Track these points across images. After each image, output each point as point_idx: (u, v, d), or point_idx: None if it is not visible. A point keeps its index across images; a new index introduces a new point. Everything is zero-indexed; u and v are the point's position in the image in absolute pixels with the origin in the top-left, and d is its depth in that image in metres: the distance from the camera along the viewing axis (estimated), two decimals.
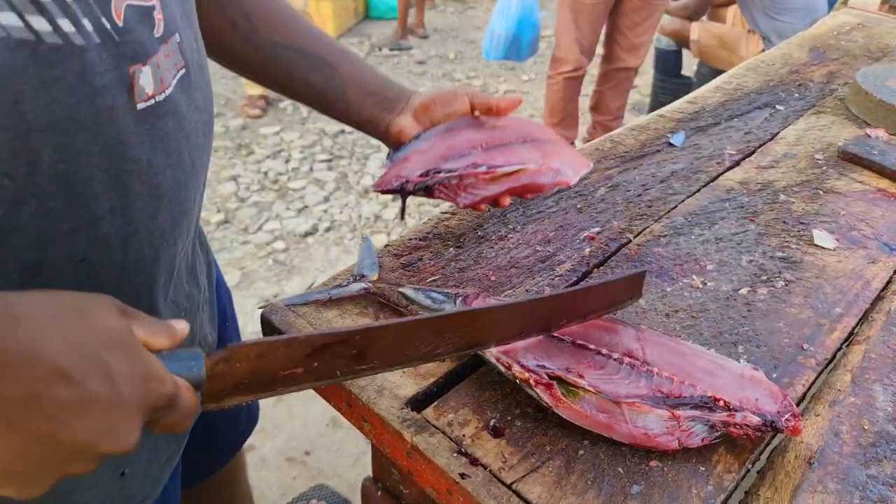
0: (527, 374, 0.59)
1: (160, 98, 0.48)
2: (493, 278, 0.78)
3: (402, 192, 0.71)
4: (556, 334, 0.63)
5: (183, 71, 0.51)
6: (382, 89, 0.76)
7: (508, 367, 0.61)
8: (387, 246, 0.84)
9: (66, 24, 0.40)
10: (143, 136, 0.47)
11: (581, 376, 0.59)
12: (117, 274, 0.50)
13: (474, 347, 0.59)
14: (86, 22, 0.41)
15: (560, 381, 0.59)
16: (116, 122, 0.45)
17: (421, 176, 0.71)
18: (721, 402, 0.58)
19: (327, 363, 0.51)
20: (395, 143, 0.77)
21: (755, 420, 0.57)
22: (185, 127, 0.52)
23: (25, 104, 0.40)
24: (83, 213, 0.45)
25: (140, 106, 0.46)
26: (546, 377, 0.59)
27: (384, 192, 0.73)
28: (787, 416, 0.57)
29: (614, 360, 0.62)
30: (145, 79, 0.46)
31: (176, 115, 0.50)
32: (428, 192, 0.71)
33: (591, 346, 0.63)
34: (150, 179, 0.49)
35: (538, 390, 0.59)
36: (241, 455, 1.07)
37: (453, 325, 0.55)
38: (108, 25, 0.43)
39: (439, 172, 0.71)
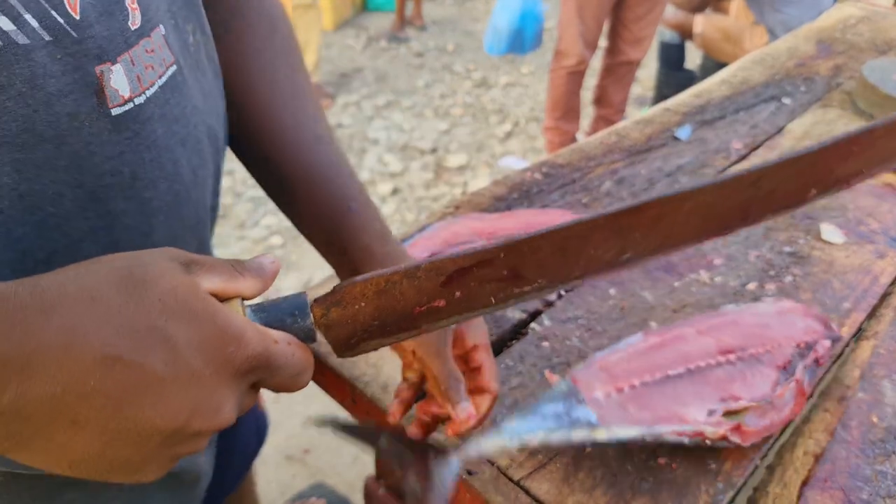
0: (711, 430, 0.56)
1: (140, 101, 0.41)
2: None
3: None
4: (659, 376, 0.59)
5: (174, 68, 0.44)
6: (347, 240, 0.57)
7: (696, 436, 0.56)
8: None
9: (2, 21, 0.34)
10: (121, 145, 0.41)
11: (736, 398, 0.58)
12: None
13: (671, 247, 0.42)
14: (28, 17, 0.35)
15: (726, 413, 0.57)
16: (83, 131, 0.38)
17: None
18: (802, 345, 0.64)
19: (473, 291, 0.42)
20: None
21: (828, 344, 0.66)
22: (180, 132, 0.45)
23: None
24: (58, 236, 0.39)
25: (115, 111, 0.40)
26: (726, 420, 0.57)
27: None
28: (831, 326, 0.68)
29: (720, 364, 0.61)
30: (117, 79, 0.39)
31: (165, 118, 0.43)
32: None
33: (697, 365, 0.61)
34: (136, 194, 0.42)
35: (732, 438, 0.57)
36: (250, 479, 1.06)
37: (641, 219, 0.40)
38: (60, 20, 0.36)
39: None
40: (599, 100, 2.89)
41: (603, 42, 2.77)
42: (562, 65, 2.66)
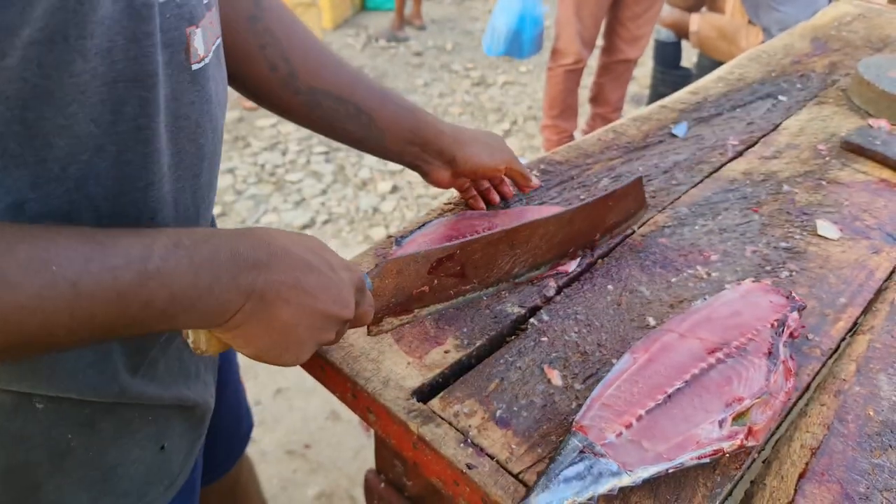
0: (728, 444, 0.56)
1: (206, 61, 0.51)
2: None
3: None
4: (661, 398, 0.59)
5: (219, 40, 0.54)
6: (420, 138, 0.76)
7: (716, 454, 0.56)
8: (389, 237, 0.83)
9: None
10: (193, 96, 0.50)
11: (740, 400, 0.58)
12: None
13: (539, 267, 0.77)
14: None
15: (735, 419, 0.57)
16: (172, 79, 0.47)
17: None
18: (776, 324, 0.66)
19: (442, 282, 0.67)
20: (435, 185, 0.83)
21: (796, 315, 0.68)
22: (220, 94, 0.55)
23: (117, 54, 0.42)
24: (155, 169, 0.48)
25: (194, 67, 0.49)
26: (736, 426, 0.57)
27: None
28: (793, 296, 0.71)
29: (712, 366, 0.61)
30: (198, 41, 0.49)
31: (215, 80, 0.53)
32: None
33: (692, 374, 0.61)
34: (196, 139, 0.52)
35: (749, 443, 0.57)
36: (247, 463, 1.08)
37: (520, 238, 0.72)
38: None
39: None
40: (596, 98, 2.90)
41: (600, 41, 2.77)
42: (559, 63, 2.67)
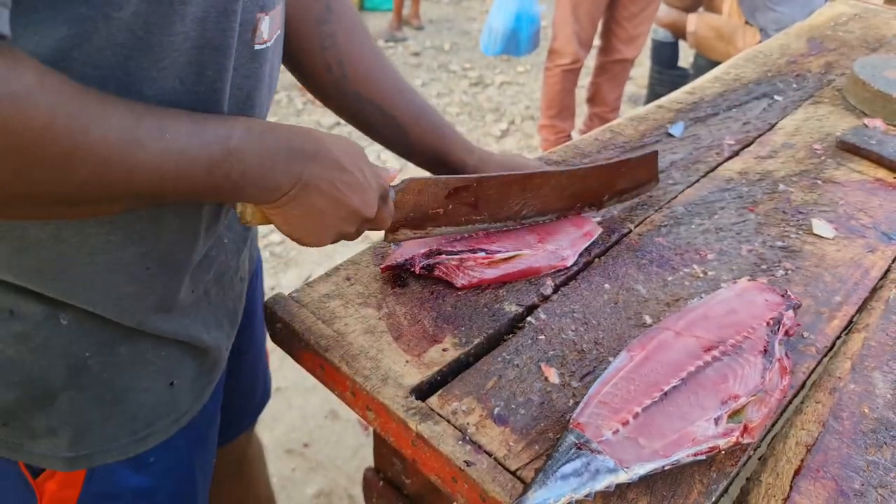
0: (724, 441, 0.57)
1: (267, 45, 0.58)
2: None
3: (407, 270, 0.76)
4: (657, 395, 0.59)
5: (279, 32, 0.61)
6: (444, 160, 0.82)
7: (712, 451, 0.57)
8: None
9: None
10: (249, 70, 0.57)
11: (735, 397, 0.58)
12: None
13: (546, 214, 0.83)
14: None
15: (730, 416, 0.58)
16: (238, 52, 0.55)
17: (425, 256, 0.75)
18: (771, 322, 0.67)
19: (456, 208, 0.74)
20: None
21: (791, 314, 0.69)
22: (272, 78, 0.63)
23: (208, 23, 0.49)
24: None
25: (256, 47, 0.57)
26: (732, 423, 0.58)
27: (391, 268, 0.77)
28: (788, 294, 0.71)
29: (709, 364, 0.62)
30: (264, 26, 0.57)
31: (271, 64, 0.61)
32: (429, 271, 0.76)
33: (688, 372, 0.61)
34: (244, 111, 0.59)
35: (744, 440, 0.58)
36: (257, 444, 1.09)
37: (533, 183, 0.79)
38: None
39: (441, 254, 0.76)
40: (594, 98, 2.90)
41: (597, 41, 2.78)
42: (556, 63, 2.67)
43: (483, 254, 0.76)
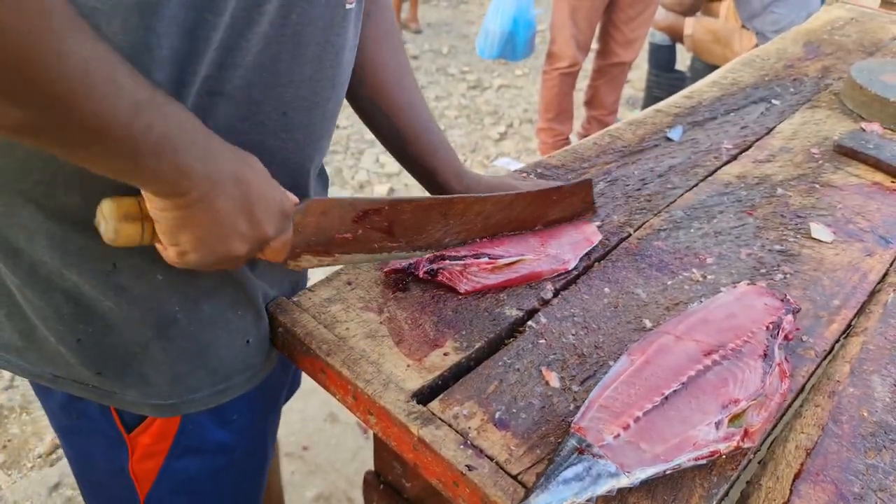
0: (725, 446, 0.57)
1: (352, 6, 0.62)
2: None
3: (410, 275, 0.76)
4: (658, 399, 0.59)
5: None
6: (438, 181, 0.84)
7: (713, 455, 0.57)
8: None
9: None
10: (340, 30, 0.61)
11: (736, 401, 0.59)
12: (292, 147, 0.64)
13: (471, 237, 0.80)
14: None
15: (731, 420, 0.58)
16: (334, 10, 0.59)
17: (429, 261, 0.76)
18: (771, 326, 0.68)
19: (367, 233, 0.69)
20: None
21: (791, 318, 0.69)
22: (356, 40, 0.66)
23: None
24: (297, 71, 0.59)
25: (347, 6, 0.60)
26: (732, 427, 0.58)
27: (394, 272, 0.77)
28: (788, 298, 0.72)
29: (709, 368, 0.62)
30: None
31: (355, 26, 0.64)
32: (433, 275, 0.76)
33: (688, 376, 0.61)
34: (335, 67, 0.63)
35: (745, 444, 0.58)
36: (275, 446, 1.10)
37: (454, 210, 0.75)
38: None
39: (445, 259, 0.76)
40: (591, 101, 2.91)
41: (595, 44, 2.78)
42: (554, 66, 2.68)
43: (487, 259, 0.77)
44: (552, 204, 0.84)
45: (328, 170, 2.93)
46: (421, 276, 0.75)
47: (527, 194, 0.82)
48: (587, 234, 0.85)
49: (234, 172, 0.53)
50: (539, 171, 1.01)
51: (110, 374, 0.63)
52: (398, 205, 0.69)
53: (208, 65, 0.54)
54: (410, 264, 0.76)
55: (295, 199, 0.62)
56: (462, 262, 0.76)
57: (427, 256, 0.76)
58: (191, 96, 0.54)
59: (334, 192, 2.80)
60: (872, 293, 0.81)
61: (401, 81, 0.81)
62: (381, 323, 0.72)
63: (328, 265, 0.68)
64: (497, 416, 0.62)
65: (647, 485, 0.56)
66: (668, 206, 0.95)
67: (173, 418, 0.68)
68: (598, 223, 0.89)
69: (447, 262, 0.76)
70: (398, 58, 0.81)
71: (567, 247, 0.83)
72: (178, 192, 0.50)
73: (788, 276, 0.82)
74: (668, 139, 1.13)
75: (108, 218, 0.52)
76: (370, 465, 0.91)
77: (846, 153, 1.10)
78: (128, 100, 0.45)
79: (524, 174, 1.00)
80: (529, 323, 0.73)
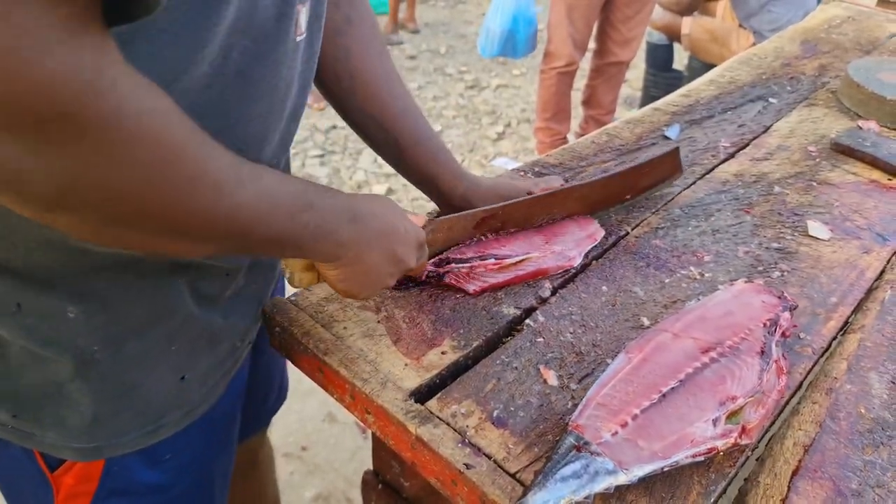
0: (722, 442, 0.57)
1: (302, 38, 0.59)
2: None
3: (416, 281, 0.76)
4: (656, 397, 0.60)
5: (309, 21, 0.62)
6: (436, 186, 0.84)
7: (710, 452, 0.57)
8: None
9: None
10: (290, 63, 0.59)
11: (733, 399, 0.59)
12: None
13: (572, 215, 0.87)
14: None
15: (728, 417, 0.59)
16: (284, 44, 0.56)
17: (435, 266, 0.76)
18: (768, 323, 0.68)
19: (484, 234, 0.80)
20: None
21: (788, 315, 0.70)
22: (304, 74, 0.64)
23: (241, 11, 0.49)
24: (244, 110, 0.56)
25: (297, 38, 0.58)
26: (730, 424, 0.58)
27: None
28: (785, 295, 0.72)
29: (706, 365, 0.62)
30: (302, 18, 0.58)
31: (303, 59, 0.62)
32: (439, 279, 0.76)
33: (686, 373, 0.61)
34: (285, 100, 0.61)
35: (742, 441, 0.58)
36: (268, 447, 1.11)
37: (556, 201, 0.84)
38: None
39: (451, 262, 0.76)
40: (589, 100, 2.91)
41: (592, 43, 2.79)
42: (552, 66, 2.68)
43: (493, 260, 0.77)
44: (643, 176, 0.90)
45: (325, 170, 2.94)
46: (425, 279, 0.75)
47: (620, 174, 0.88)
48: (590, 232, 0.86)
49: (378, 228, 0.61)
50: (536, 169, 1.01)
51: (27, 415, 0.60)
52: (510, 208, 0.80)
53: None
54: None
55: (422, 221, 0.70)
56: (468, 264, 0.76)
57: (432, 260, 0.76)
58: None
59: None
60: (869, 290, 0.81)
61: (392, 88, 0.79)
62: (378, 322, 0.72)
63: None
64: (495, 414, 0.62)
65: (645, 482, 0.56)
66: (665, 204, 0.95)
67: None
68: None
69: (453, 265, 0.76)
70: (385, 64, 0.79)
71: (571, 244, 0.83)
72: (336, 258, 0.59)
73: (786, 273, 0.82)
74: (666, 137, 1.13)
75: (294, 270, 0.64)
76: (369, 465, 0.91)
77: (843, 151, 1.10)
78: (287, 213, 0.51)
79: (521, 172, 1.00)
80: (527, 321, 0.73)
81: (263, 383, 0.96)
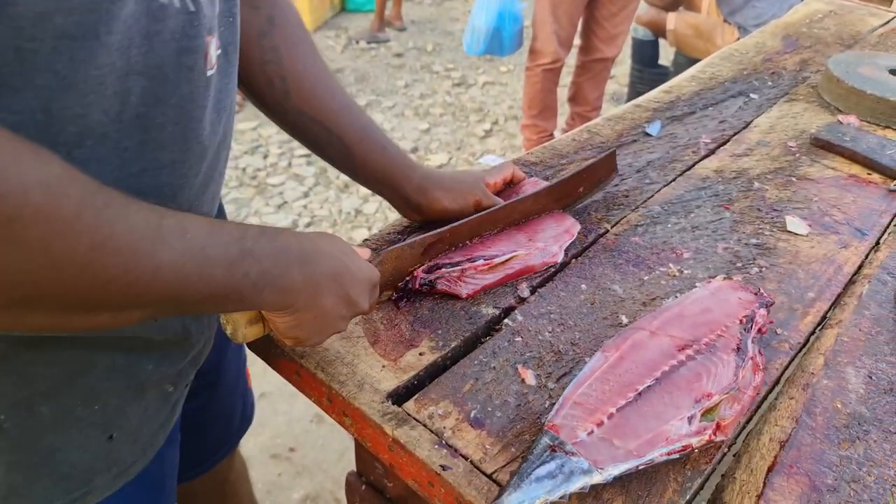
0: (697, 440, 0.58)
1: (212, 71, 0.55)
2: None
3: (408, 288, 0.75)
4: (632, 395, 0.60)
5: (220, 51, 0.57)
6: (389, 180, 0.81)
7: (685, 450, 0.58)
8: (366, 241, 0.84)
9: None
10: (205, 99, 0.54)
11: (708, 396, 0.59)
12: None
13: (510, 225, 0.86)
14: None
15: (703, 414, 0.59)
16: (192, 82, 0.51)
17: (425, 272, 0.75)
18: (744, 320, 0.68)
19: (433, 256, 0.76)
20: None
21: (764, 312, 0.70)
22: (220, 107, 0.59)
23: (133, 50, 0.45)
24: (150, 158, 0.51)
25: (208, 72, 0.53)
26: (705, 421, 0.59)
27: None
28: (761, 292, 0.72)
29: (683, 363, 0.62)
30: (212, 50, 0.54)
31: (222, 89, 0.58)
32: (431, 286, 0.75)
33: (662, 371, 0.61)
34: (202, 141, 0.56)
35: (717, 438, 0.59)
36: (239, 463, 1.07)
37: (503, 215, 0.83)
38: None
39: (441, 268, 0.76)
40: (575, 97, 2.91)
41: (577, 40, 2.79)
42: (537, 63, 2.68)
43: (482, 260, 0.77)
44: (581, 182, 0.91)
45: (312, 170, 2.93)
46: (416, 287, 0.75)
47: (560, 182, 0.88)
48: (566, 227, 0.86)
49: (330, 269, 0.56)
50: (517, 167, 1.01)
51: None
52: (456, 229, 0.78)
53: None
54: (407, 281, 0.75)
55: (368, 256, 0.66)
56: (458, 267, 0.76)
57: (422, 267, 0.76)
58: None
59: (318, 191, 2.80)
60: (847, 285, 0.82)
61: (329, 85, 0.75)
62: (356, 324, 0.71)
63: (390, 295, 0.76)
64: (472, 415, 0.62)
65: (621, 480, 0.56)
66: (645, 201, 0.95)
67: None
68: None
69: (443, 270, 0.75)
70: (317, 62, 0.75)
71: (551, 240, 0.83)
72: (286, 306, 0.54)
73: (764, 269, 0.82)
74: (647, 134, 1.13)
75: (237, 326, 0.58)
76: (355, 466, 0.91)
77: (823, 146, 1.11)
78: (221, 267, 0.46)
79: None
80: (506, 321, 0.73)
81: (225, 410, 0.93)
